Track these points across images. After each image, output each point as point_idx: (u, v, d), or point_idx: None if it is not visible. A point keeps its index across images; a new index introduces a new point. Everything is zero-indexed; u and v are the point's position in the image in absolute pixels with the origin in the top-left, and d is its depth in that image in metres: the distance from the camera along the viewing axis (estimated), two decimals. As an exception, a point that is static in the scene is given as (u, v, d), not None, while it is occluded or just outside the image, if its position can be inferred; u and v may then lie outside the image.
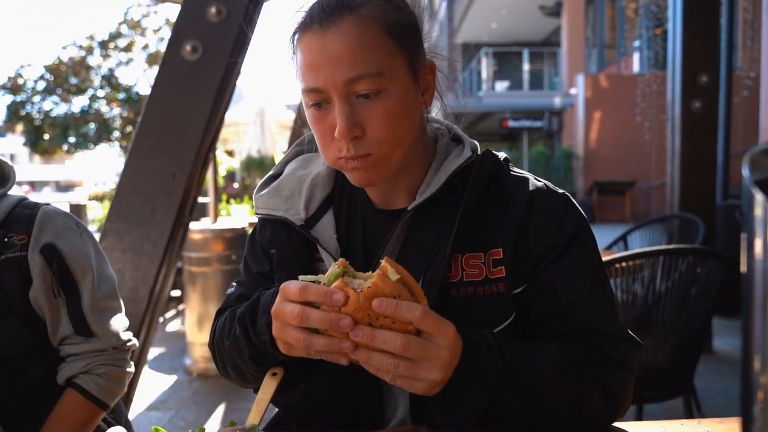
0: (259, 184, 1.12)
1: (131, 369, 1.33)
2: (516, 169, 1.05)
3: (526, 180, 1.02)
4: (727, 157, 4.82)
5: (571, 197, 1.03)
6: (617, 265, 2.30)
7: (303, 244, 1.04)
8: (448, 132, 1.09)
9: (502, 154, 1.05)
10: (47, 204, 1.31)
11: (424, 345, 0.80)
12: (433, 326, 0.80)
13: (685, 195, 4.58)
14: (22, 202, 1.29)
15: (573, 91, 18.03)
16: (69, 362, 1.25)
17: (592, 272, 0.99)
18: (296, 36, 0.95)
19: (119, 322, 1.31)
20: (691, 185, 4.58)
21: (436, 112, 1.12)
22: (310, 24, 0.92)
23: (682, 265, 2.32)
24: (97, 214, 9.84)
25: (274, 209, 1.06)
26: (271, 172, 1.13)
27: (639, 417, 2.46)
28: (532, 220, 0.98)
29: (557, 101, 19.19)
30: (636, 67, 16.31)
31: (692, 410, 2.58)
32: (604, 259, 2.26)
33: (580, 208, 1.02)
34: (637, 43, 14.13)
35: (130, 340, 1.33)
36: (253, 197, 1.11)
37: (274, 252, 1.07)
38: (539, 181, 1.04)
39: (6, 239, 1.21)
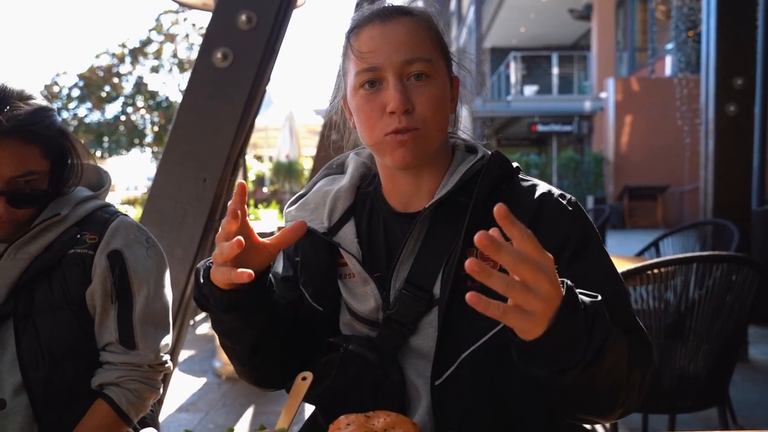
0: (289, 202, 1.22)
1: (159, 391, 1.35)
2: (527, 177, 1.12)
3: (536, 184, 1.10)
4: (763, 161, 4.69)
5: (580, 204, 1.08)
6: (649, 272, 2.25)
7: (325, 251, 1.13)
8: (464, 144, 1.18)
9: (514, 163, 1.11)
10: (126, 215, 1.37)
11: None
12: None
13: (719, 200, 4.47)
14: (105, 207, 1.37)
15: (603, 95, 17.83)
16: (105, 369, 1.28)
17: (610, 272, 1.03)
18: (354, 31, 1.06)
19: (162, 342, 1.33)
20: (726, 190, 4.47)
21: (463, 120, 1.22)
22: (371, 19, 1.05)
23: (716, 273, 2.27)
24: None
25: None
26: (300, 192, 1.23)
27: (672, 427, 2.41)
28: (543, 216, 1.03)
29: (587, 105, 18.98)
30: (668, 70, 16.07)
31: (727, 421, 2.51)
32: (635, 265, 2.25)
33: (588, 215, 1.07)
34: (669, 46, 13.90)
35: (166, 362, 1.35)
36: (284, 213, 1.21)
37: (298, 260, 1.17)
38: (550, 185, 1.10)
39: (78, 236, 1.29)
